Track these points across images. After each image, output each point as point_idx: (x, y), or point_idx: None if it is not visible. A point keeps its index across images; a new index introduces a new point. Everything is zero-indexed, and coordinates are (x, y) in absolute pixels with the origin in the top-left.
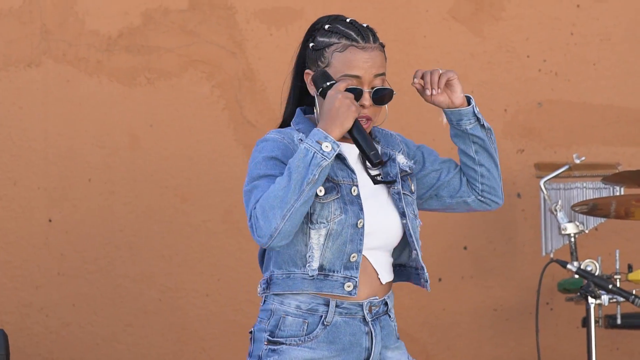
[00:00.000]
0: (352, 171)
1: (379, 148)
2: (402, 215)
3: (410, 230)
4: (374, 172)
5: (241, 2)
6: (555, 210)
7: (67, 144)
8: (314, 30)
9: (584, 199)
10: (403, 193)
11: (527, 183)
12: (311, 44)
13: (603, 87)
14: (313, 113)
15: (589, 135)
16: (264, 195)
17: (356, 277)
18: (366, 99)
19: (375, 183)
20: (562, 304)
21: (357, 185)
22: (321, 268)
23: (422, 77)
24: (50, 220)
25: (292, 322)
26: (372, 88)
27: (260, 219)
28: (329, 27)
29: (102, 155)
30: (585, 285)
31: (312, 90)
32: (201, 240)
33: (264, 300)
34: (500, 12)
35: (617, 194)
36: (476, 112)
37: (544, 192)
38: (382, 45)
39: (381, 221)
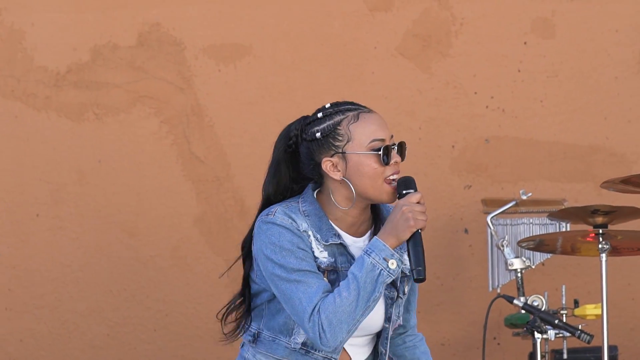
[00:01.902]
0: (353, 258)
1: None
2: (388, 319)
3: (388, 333)
4: None
5: (189, 38)
6: (502, 246)
7: (15, 180)
8: (304, 127)
9: (531, 234)
10: (397, 297)
11: (474, 219)
12: (317, 134)
13: (550, 124)
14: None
15: (535, 172)
16: (331, 308)
17: (336, 358)
18: (396, 156)
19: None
20: (509, 338)
21: None
22: (304, 344)
23: None
24: None
25: None
26: (393, 145)
27: (327, 331)
28: (323, 114)
29: (50, 191)
30: (532, 321)
31: (335, 175)
32: (149, 275)
33: (244, 345)
34: (448, 49)
35: (564, 229)
36: None
37: (491, 228)
38: None
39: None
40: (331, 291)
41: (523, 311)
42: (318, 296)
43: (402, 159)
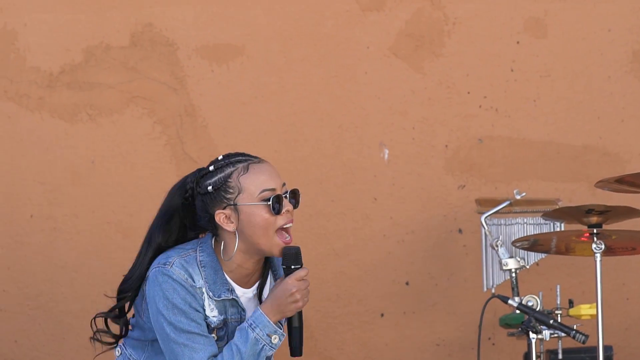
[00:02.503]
0: (243, 309)
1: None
2: None
3: None
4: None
5: (182, 39)
6: (497, 246)
7: (9, 181)
8: (198, 180)
9: (525, 234)
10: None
11: (468, 219)
12: (208, 187)
13: (543, 123)
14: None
15: (529, 171)
16: None
17: None
18: (287, 204)
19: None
20: (504, 339)
21: (239, 322)
22: None
23: None
24: None
25: None
26: (285, 193)
27: None
28: (214, 167)
29: (44, 192)
30: (527, 321)
31: (228, 227)
32: None
33: None
34: (441, 48)
35: (558, 229)
36: None
37: (485, 228)
38: None
39: None
40: (216, 356)
41: (518, 311)
42: None
43: (296, 207)
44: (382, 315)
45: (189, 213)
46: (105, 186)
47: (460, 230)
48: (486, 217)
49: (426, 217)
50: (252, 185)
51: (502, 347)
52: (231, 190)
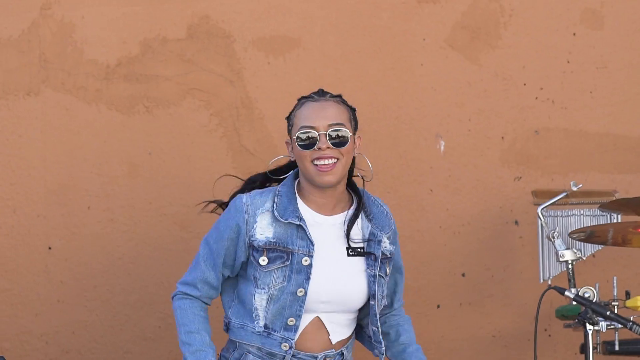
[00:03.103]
0: (311, 242)
1: (369, 226)
2: (372, 297)
3: (375, 310)
4: (355, 245)
5: (239, 31)
6: (553, 238)
7: (66, 172)
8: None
9: (582, 226)
10: (378, 275)
11: (524, 210)
12: (286, 117)
13: (600, 115)
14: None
15: (585, 163)
16: (177, 316)
17: (293, 339)
18: (322, 142)
19: (348, 255)
20: (560, 330)
21: (311, 256)
22: (266, 327)
23: None
24: (49, 248)
25: None
26: (327, 132)
27: (175, 316)
28: (297, 100)
29: (101, 183)
30: (583, 312)
31: (291, 155)
32: None
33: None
34: (497, 40)
35: (615, 221)
36: None
37: (541, 219)
38: (348, 105)
39: (340, 293)
40: (204, 283)
41: (574, 303)
42: (190, 279)
43: (338, 146)
44: (438, 306)
45: None
46: (162, 178)
47: (516, 222)
48: (542, 208)
49: (482, 208)
50: (298, 120)
51: (558, 338)
52: (291, 122)
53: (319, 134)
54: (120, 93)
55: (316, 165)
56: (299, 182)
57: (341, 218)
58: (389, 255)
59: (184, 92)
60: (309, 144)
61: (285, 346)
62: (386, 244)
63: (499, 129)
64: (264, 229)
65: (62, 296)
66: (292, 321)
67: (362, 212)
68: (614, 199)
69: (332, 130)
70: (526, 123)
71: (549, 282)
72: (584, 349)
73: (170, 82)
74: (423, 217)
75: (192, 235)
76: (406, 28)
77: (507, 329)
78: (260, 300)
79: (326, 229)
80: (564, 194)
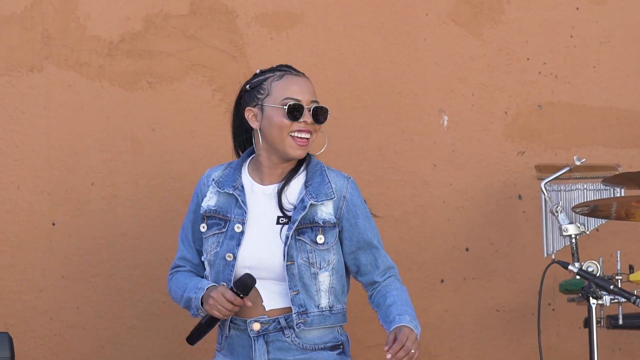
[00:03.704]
0: (244, 210)
1: (305, 192)
2: (288, 257)
3: (293, 272)
4: (288, 213)
5: (242, 7)
6: (556, 212)
7: (70, 148)
8: (247, 82)
9: (585, 200)
10: (299, 239)
11: (527, 185)
12: (247, 86)
13: (603, 90)
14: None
15: (589, 137)
16: (171, 287)
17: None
18: (307, 116)
19: (277, 223)
20: (564, 304)
21: (243, 223)
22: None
23: (394, 344)
24: (53, 224)
25: (217, 332)
26: (310, 107)
27: (171, 296)
28: (260, 71)
29: (104, 159)
30: (587, 286)
31: (254, 124)
32: None
33: None
34: (500, 15)
35: (618, 195)
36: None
37: (544, 194)
38: None
39: (260, 258)
40: (186, 261)
41: (578, 277)
42: (173, 264)
43: (318, 122)
44: (442, 281)
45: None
46: (165, 154)
47: (520, 197)
48: (546, 183)
49: (486, 183)
50: (279, 91)
51: (562, 312)
52: (262, 92)
53: (305, 108)
54: (124, 69)
55: (294, 137)
56: (253, 157)
57: (271, 189)
58: (321, 224)
59: (187, 68)
60: (296, 115)
61: None
62: (324, 212)
63: (502, 103)
64: (209, 198)
65: (66, 272)
66: (223, 285)
67: (303, 180)
68: (617, 173)
69: (315, 106)
70: (529, 98)
71: (553, 257)
72: (587, 323)
73: (173, 58)
74: (426, 192)
75: None
76: (409, 3)
77: (511, 303)
78: (206, 265)
79: (263, 197)
80: (567, 168)
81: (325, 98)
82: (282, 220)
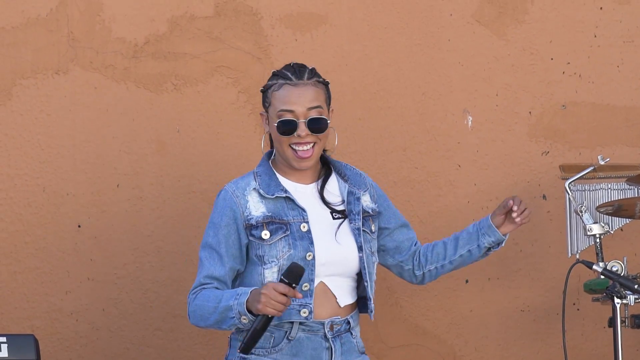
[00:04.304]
0: (303, 209)
1: (346, 187)
2: (360, 249)
3: (365, 263)
4: (338, 208)
5: (266, 8)
6: (581, 212)
7: (95, 151)
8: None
9: (609, 200)
10: (363, 230)
11: (552, 185)
12: (261, 89)
13: (627, 89)
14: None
15: (613, 137)
16: (198, 303)
17: (310, 304)
18: (302, 130)
19: (333, 218)
20: (589, 304)
21: (307, 222)
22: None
23: (519, 205)
24: (79, 226)
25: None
26: (307, 119)
27: (191, 317)
28: (273, 73)
29: (129, 161)
30: (611, 286)
31: (266, 129)
32: None
33: None
34: (524, 15)
35: None
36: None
37: (569, 194)
38: (324, 83)
39: (335, 253)
40: (213, 279)
41: (602, 277)
42: (195, 283)
43: (315, 132)
44: (466, 281)
45: None
46: (191, 155)
47: (544, 196)
48: (570, 183)
49: (510, 183)
50: (276, 103)
51: (586, 312)
52: (267, 101)
53: (298, 122)
54: (149, 71)
55: (295, 150)
56: (273, 158)
57: (312, 188)
58: (371, 213)
59: (212, 70)
60: (289, 130)
61: (304, 312)
62: (367, 202)
63: (526, 103)
64: (256, 206)
65: (92, 274)
66: (306, 286)
67: (337, 176)
68: None
69: (311, 117)
70: (553, 97)
71: (577, 256)
72: (612, 322)
73: (198, 60)
74: (451, 192)
75: None
76: (433, 3)
77: (536, 303)
78: (271, 274)
79: (309, 196)
80: (592, 168)
81: (350, 99)
82: (335, 215)
